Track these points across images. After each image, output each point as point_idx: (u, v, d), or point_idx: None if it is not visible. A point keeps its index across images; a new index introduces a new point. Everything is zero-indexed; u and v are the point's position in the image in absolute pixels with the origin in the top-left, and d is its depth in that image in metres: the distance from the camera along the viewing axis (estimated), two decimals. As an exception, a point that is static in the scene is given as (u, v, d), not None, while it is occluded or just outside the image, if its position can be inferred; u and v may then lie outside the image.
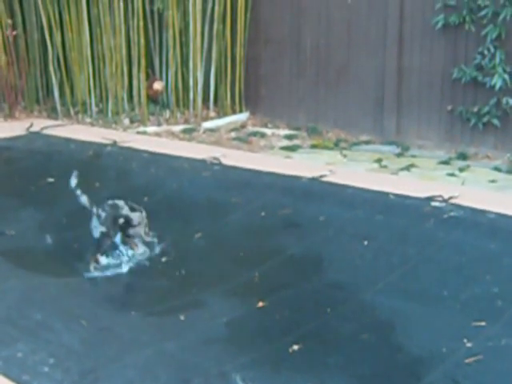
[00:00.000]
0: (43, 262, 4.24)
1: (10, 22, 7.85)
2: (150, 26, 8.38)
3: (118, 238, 4.09)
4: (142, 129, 7.84)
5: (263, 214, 4.77)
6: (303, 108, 8.17)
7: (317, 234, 4.46)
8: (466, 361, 3.04)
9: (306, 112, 8.14)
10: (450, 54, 7.04)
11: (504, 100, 6.69)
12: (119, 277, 4.03)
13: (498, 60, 6.67)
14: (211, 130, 7.92)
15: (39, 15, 8.05)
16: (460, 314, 3.50)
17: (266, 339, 3.30)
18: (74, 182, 4.06)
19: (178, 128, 7.94)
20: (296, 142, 7.58)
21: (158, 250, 4.21)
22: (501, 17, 6.61)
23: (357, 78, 7.70)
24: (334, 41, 7.83)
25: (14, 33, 7.89)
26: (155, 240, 4.24)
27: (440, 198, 4.67)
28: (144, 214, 4.15)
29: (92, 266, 4.00)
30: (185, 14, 8.22)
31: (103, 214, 4.01)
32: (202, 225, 4.66)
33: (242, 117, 8.39)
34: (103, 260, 4.02)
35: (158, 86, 8.42)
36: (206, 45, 8.29)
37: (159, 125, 8.09)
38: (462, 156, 6.85)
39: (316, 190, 5.08)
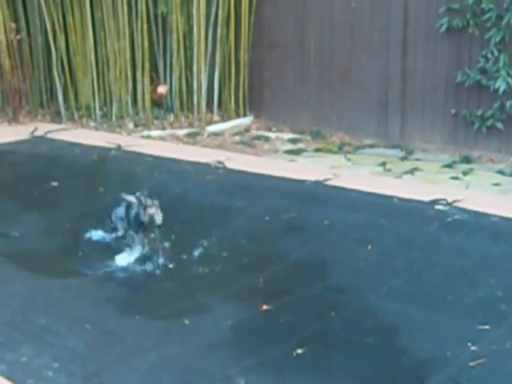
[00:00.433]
0: (47, 265, 4.25)
1: (14, 26, 7.86)
2: (153, 29, 8.39)
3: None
4: (146, 133, 7.84)
5: (267, 217, 4.77)
6: (307, 112, 8.17)
7: (321, 237, 4.47)
8: (470, 364, 3.04)
9: (310, 116, 8.13)
10: (453, 57, 7.03)
11: (508, 103, 6.67)
12: (123, 280, 4.04)
13: (501, 63, 6.65)
14: (215, 134, 7.92)
15: (43, 19, 8.06)
16: (464, 317, 3.50)
17: (270, 343, 3.30)
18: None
19: (182, 132, 7.95)
20: (300, 145, 7.58)
21: (161, 254, 4.22)
22: (504, 20, 6.60)
23: (361, 81, 7.69)
24: (337, 44, 7.83)
25: (18, 37, 7.89)
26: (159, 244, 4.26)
27: (444, 202, 4.67)
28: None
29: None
30: (189, 18, 8.23)
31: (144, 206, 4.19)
32: (207, 228, 4.66)
33: (246, 120, 8.39)
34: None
35: (162, 89, 8.41)
36: (209, 48, 8.29)
37: (163, 129, 8.09)
38: (466, 159, 6.84)
39: (320, 194, 5.08)
